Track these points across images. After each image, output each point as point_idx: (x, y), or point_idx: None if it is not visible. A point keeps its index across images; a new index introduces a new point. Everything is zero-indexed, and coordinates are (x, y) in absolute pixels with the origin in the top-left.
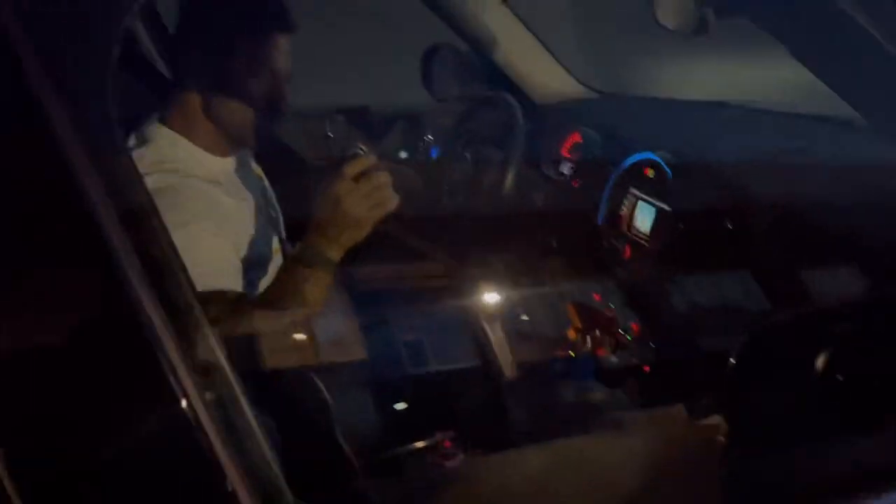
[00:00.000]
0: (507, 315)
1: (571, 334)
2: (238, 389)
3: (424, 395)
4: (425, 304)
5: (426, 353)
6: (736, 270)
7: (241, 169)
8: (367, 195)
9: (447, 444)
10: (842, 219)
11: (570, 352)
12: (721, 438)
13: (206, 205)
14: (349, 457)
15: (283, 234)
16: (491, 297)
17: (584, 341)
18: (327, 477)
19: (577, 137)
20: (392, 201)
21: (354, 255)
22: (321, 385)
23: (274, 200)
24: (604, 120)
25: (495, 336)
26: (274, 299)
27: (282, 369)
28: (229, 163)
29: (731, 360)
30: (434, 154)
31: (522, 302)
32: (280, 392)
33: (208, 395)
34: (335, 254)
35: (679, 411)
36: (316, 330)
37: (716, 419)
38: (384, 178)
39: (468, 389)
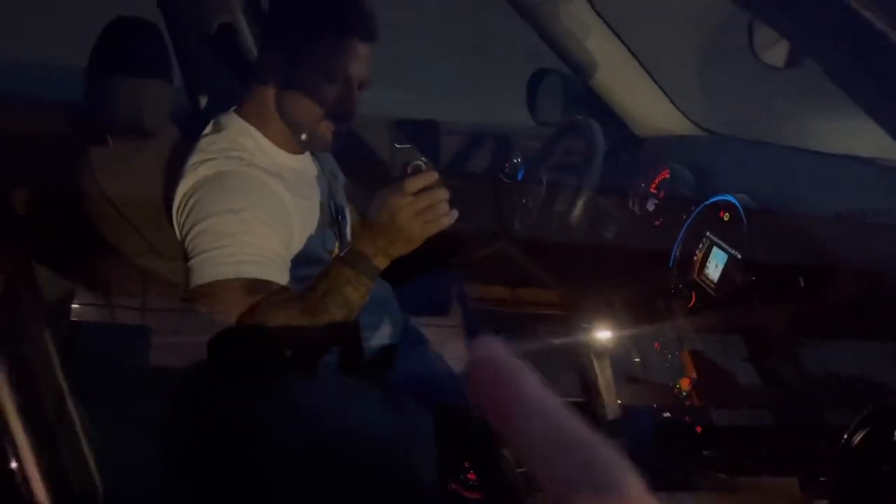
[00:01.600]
0: (618, 354)
1: (685, 384)
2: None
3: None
4: (535, 330)
5: None
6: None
7: (311, 167)
8: (424, 211)
9: (472, 475)
10: None
11: (680, 402)
12: None
13: (262, 195)
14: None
15: (348, 238)
16: (603, 334)
17: (697, 393)
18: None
19: (665, 174)
20: (448, 219)
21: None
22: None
23: (343, 204)
24: (700, 159)
25: (603, 374)
26: (314, 295)
27: None
28: (297, 160)
29: (844, 439)
30: (521, 176)
31: (634, 343)
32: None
33: None
34: (381, 263)
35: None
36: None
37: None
38: (443, 195)
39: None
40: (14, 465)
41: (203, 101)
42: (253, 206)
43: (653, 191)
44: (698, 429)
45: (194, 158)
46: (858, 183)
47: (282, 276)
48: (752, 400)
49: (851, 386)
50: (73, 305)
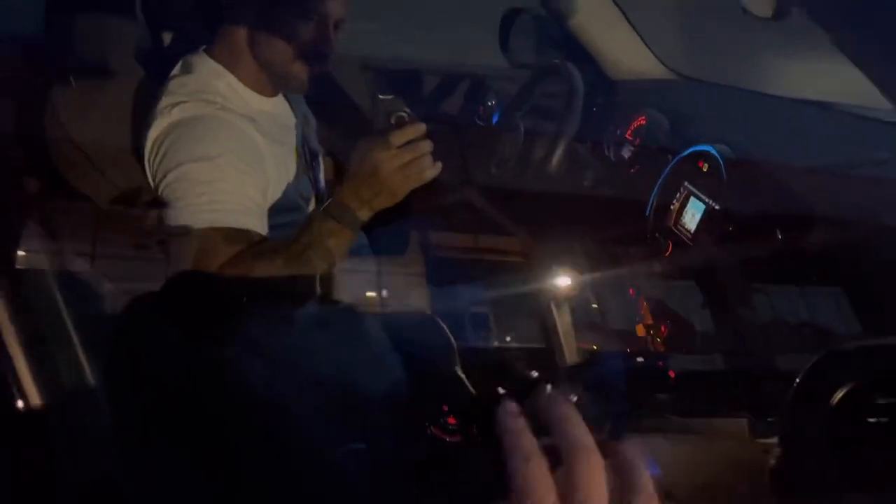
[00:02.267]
0: (576, 301)
1: (640, 330)
2: None
3: (481, 367)
4: (496, 278)
5: (490, 327)
6: (783, 284)
7: (285, 111)
8: (409, 164)
9: (451, 420)
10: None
11: (636, 348)
12: (773, 462)
13: (237, 140)
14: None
15: (322, 185)
16: (563, 280)
17: (653, 339)
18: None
19: (642, 120)
20: (432, 172)
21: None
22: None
23: (317, 150)
24: (676, 106)
25: (562, 320)
26: (295, 247)
27: None
28: (271, 103)
29: (796, 383)
30: (496, 120)
31: (594, 289)
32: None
33: None
34: (364, 214)
35: (741, 426)
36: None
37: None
38: (427, 147)
39: (525, 369)
40: None
41: (167, 38)
42: (228, 151)
43: (628, 138)
44: (659, 369)
45: (165, 101)
46: (837, 132)
47: (261, 225)
48: (709, 346)
49: (816, 333)
50: (19, 252)
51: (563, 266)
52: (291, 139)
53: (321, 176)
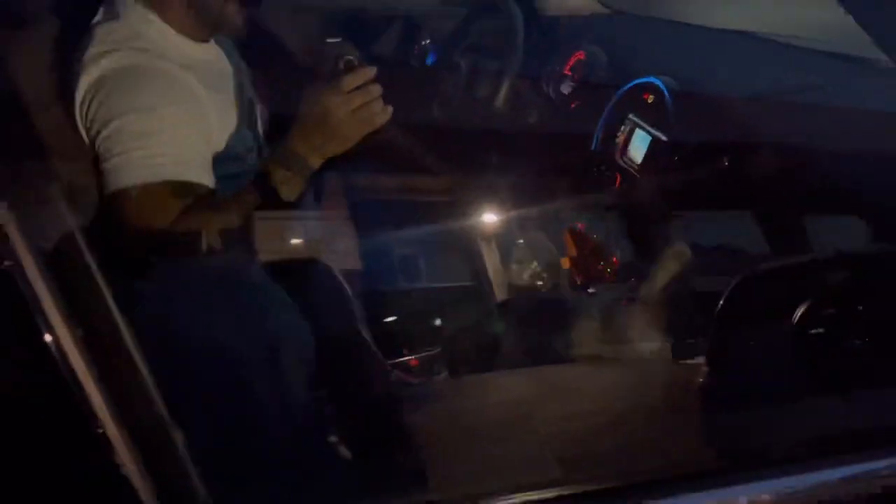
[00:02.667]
0: (504, 237)
1: (565, 263)
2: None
3: (413, 310)
4: (423, 219)
5: (420, 269)
6: (730, 211)
7: (220, 58)
8: (360, 109)
9: (414, 362)
10: (849, 165)
11: (563, 280)
12: (701, 381)
13: (176, 90)
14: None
15: (262, 133)
16: (490, 218)
17: (579, 270)
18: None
19: (580, 55)
20: (383, 116)
21: (353, 162)
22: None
23: (254, 98)
24: (613, 40)
25: (490, 258)
26: (247, 197)
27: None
28: (206, 50)
29: (720, 304)
30: (431, 60)
31: (520, 225)
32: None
33: None
34: (315, 162)
35: (665, 349)
36: (311, 233)
37: (699, 361)
38: (377, 91)
39: (458, 309)
40: None
41: None
42: (168, 102)
43: (567, 73)
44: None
45: (92, 49)
46: (773, 62)
47: (207, 177)
48: (631, 274)
49: (732, 255)
50: None
51: (492, 204)
52: (230, 87)
53: (260, 126)
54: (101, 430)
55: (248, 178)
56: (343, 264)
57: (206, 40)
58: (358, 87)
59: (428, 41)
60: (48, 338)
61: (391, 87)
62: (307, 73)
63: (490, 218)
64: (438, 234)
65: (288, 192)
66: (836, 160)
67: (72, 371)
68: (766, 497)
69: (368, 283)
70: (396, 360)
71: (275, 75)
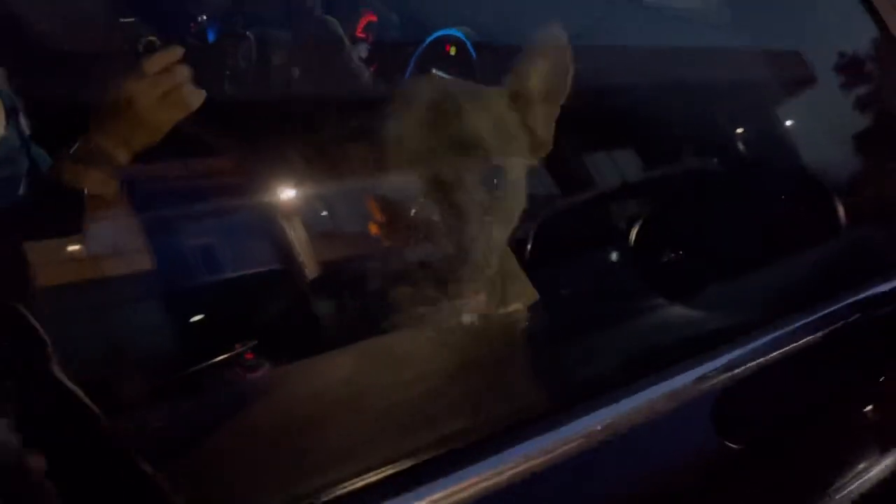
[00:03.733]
0: (306, 212)
1: (373, 229)
2: None
3: (222, 304)
4: (215, 204)
5: (220, 258)
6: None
7: None
8: (169, 93)
9: (249, 355)
10: (622, 100)
11: (372, 247)
12: (522, 325)
13: None
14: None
15: (24, 126)
16: (290, 194)
17: (387, 235)
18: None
19: (371, 17)
20: (197, 97)
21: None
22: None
23: (9, 92)
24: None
25: (295, 235)
26: (41, 203)
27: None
28: None
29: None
30: (211, 36)
31: (322, 197)
32: None
33: None
34: (122, 155)
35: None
36: (89, 241)
37: (517, 306)
38: (186, 71)
39: (270, 295)
40: None
41: None
42: None
43: (360, 36)
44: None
45: None
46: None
47: None
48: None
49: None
50: None
51: (291, 178)
52: None
53: (24, 124)
54: None
55: (23, 183)
56: (130, 267)
57: None
58: (164, 70)
59: (204, 17)
60: None
61: None
62: (92, 59)
63: (290, 194)
64: (236, 218)
65: (92, 191)
66: (608, 97)
67: None
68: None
69: (166, 283)
70: (209, 362)
71: (41, 65)
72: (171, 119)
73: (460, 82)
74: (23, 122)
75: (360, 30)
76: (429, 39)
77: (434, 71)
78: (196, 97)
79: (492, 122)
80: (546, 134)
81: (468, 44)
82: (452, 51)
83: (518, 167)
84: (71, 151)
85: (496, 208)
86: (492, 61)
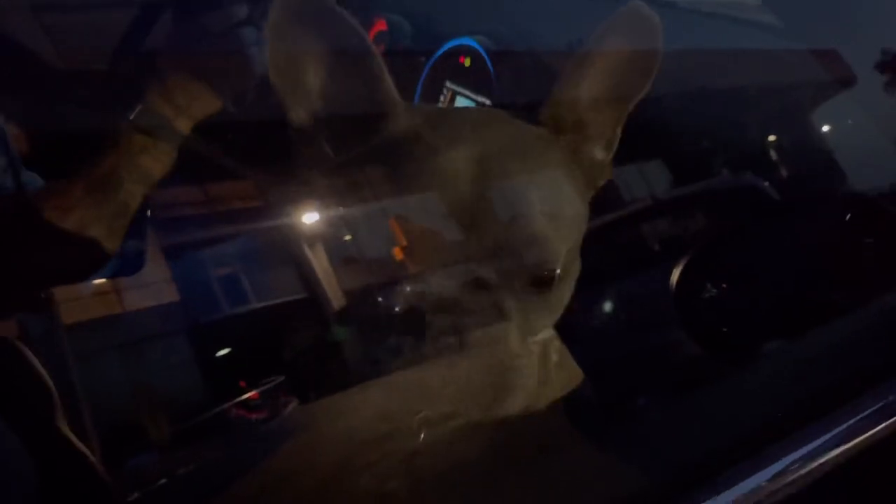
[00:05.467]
0: (329, 237)
1: (398, 253)
2: None
3: (247, 337)
4: (237, 231)
5: (245, 289)
6: None
7: None
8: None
9: (254, 396)
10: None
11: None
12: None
13: None
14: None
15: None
16: (311, 217)
17: (412, 259)
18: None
19: (382, 25)
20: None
21: None
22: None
23: None
24: (413, 7)
25: (318, 262)
26: (98, 170)
27: None
28: None
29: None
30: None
31: (344, 220)
32: None
33: None
34: (184, 125)
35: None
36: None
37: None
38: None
39: (295, 326)
40: None
41: None
42: None
43: None
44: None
45: None
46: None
47: None
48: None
49: None
50: None
51: (310, 201)
52: None
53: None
54: None
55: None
56: (155, 299)
57: None
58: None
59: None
60: None
61: None
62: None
63: (311, 217)
64: (257, 245)
65: (152, 162)
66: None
67: None
68: None
69: (190, 316)
70: (234, 400)
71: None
72: (231, 85)
73: (499, 125)
74: (10, 140)
75: (370, 38)
76: (442, 49)
77: (448, 84)
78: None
79: (546, 193)
80: (606, 154)
81: (484, 54)
82: (466, 62)
83: (575, 243)
84: (131, 118)
85: (545, 304)
86: (510, 73)
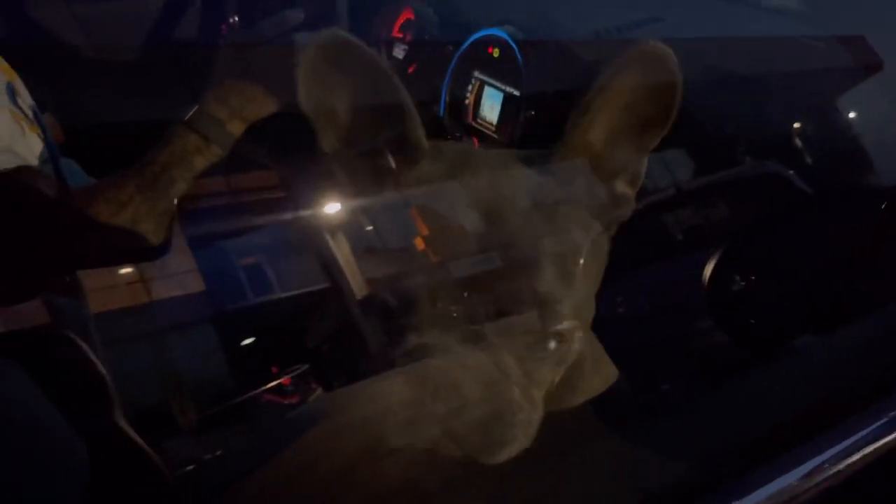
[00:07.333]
0: (350, 227)
1: (419, 243)
2: None
3: (272, 325)
4: (260, 221)
5: (269, 278)
6: None
7: None
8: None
9: (286, 381)
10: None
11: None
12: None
13: None
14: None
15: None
16: (332, 208)
17: (435, 249)
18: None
19: (409, 14)
20: None
21: None
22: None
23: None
24: None
25: (341, 252)
26: (151, 168)
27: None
28: None
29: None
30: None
31: (365, 210)
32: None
33: None
34: (237, 128)
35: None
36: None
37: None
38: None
39: (318, 315)
40: None
41: None
42: None
43: (398, 35)
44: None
45: None
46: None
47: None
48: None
49: None
50: None
51: (331, 191)
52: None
53: (49, 134)
54: None
55: None
56: (183, 288)
57: None
58: None
59: (236, 18)
60: None
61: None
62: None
63: (332, 208)
64: (280, 235)
65: (203, 162)
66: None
67: None
68: None
69: (216, 305)
70: (267, 385)
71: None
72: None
73: (508, 167)
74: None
75: (396, 29)
76: (470, 39)
77: (477, 74)
78: None
79: (558, 248)
80: (629, 188)
81: (513, 45)
82: (495, 52)
83: (588, 292)
84: (186, 118)
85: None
86: (538, 63)
